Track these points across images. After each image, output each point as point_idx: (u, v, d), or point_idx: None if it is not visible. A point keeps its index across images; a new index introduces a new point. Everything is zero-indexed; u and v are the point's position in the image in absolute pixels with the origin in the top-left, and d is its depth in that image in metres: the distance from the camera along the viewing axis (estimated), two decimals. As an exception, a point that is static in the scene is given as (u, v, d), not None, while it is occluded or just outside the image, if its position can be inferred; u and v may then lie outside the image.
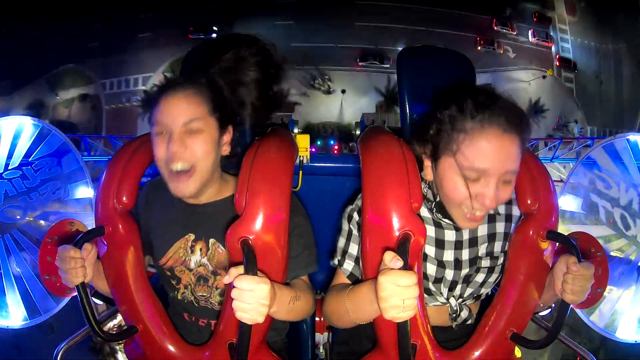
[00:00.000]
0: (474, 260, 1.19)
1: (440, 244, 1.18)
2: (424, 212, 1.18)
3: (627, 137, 1.73)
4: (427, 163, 1.12)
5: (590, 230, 1.63)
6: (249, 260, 0.97)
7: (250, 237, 1.04)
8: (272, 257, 1.08)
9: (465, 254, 1.18)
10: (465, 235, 1.19)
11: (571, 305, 1.05)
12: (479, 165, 1.00)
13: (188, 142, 1.12)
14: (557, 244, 1.15)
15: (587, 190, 1.70)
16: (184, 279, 1.26)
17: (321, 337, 1.68)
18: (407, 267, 0.93)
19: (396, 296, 0.89)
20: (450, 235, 1.18)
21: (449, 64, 1.52)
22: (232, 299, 0.95)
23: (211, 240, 1.23)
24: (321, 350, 1.68)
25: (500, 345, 1.15)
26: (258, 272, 0.98)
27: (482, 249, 1.19)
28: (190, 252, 1.24)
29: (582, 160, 1.73)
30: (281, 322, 1.27)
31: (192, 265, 1.24)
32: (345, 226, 1.21)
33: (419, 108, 1.42)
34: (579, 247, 1.03)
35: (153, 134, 1.15)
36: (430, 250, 1.18)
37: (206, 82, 1.19)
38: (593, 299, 1.34)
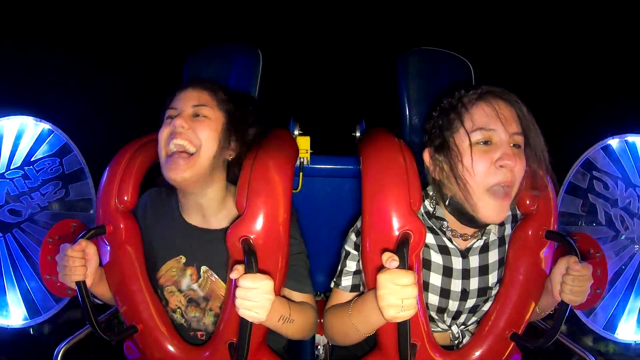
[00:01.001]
0: (483, 291, 1.17)
1: (447, 272, 1.15)
2: (429, 239, 1.16)
3: (625, 139, 1.74)
4: (433, 161, 1.12)
5: (589, 231, 1.63)
6: (250, 259, 0.98)
7: (251, 237, 1.05)
8: (273, 257, 1.09)
9: (473, 284, 1.16)
10: (474, 263, 1.16)
11: (570, 306, 1.06)
12: (485, 124, 1.04)
13: (193, 124, 1.13)
14: (557, 244, 1.15)
15: (586, 191, 1.71)
16: (172, 302, 1.23)
17: (321, 339, 1.69)
18: (406, 266, 0.93)
19: (394, 295, 0.89)
20: (457, 263, 1.15)
21: (448, 66, 1.53)
22: (235, 298, 0.95)
23: (203, 268, 1.21)
24: (321, 351, 1.68)
25: (500, 345, 1.15)
26: (259, 271, 0.98)
27: (492, 278, 1.17)
28: (181, 274, 1.22)
29: (580, 161, 1.74)
30: None
31: (184, 287, 1.22)
32: (343, 251, 1.21)
33: (418, 109, 1.43)
34: (578, 248, 1.04)
35: (163, 119, 1.17)
36: (436, 279, 1.15)
37: (222, 92, 1.23)
38: (592, 300, 1.35)
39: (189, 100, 1.16)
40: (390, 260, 0.90)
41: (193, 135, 1.12)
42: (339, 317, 1.15)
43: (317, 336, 1.67)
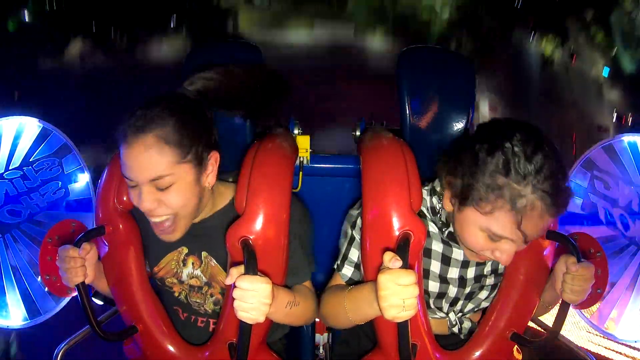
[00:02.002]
0: (478, 278, 1.18)
1: (446, 260, 1.16)
2: (432, 227, 1.16)
3: (627, 138, 1.73)
4: (448, 196, 1.05)
5: (589, 230, 1.62)
6: (250, 259, 0.98)
7: (251, 237, 1.05)
8: (273, 257, 1.09)
9: (471, 272, 1.17)
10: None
11: (571, 306, 1.06)
12: (508, 235, 0.96)
13: (161, 197, 1.02)
14: (557, 244, 1.15)
15: (586, 191, 1.70)
16: (176, 290, 1.26)
17: (321, 338, 1.68)
18: (407, 266, 0.93)
19: (396, 295, 0.89)
20: (458, 254, 1.16)
21: (450, 65, 1.52)
22: (233, 299, 0.95)
23: (203, 254, 1.21)
24: (321, 350, 1.68)
25: (501, 345, 1.15)
26: (258, 272, 0.98)
27: (487, 267, 1.18)
28: (182, 265, 1.23)
29: (581, 161, 1.73)
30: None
31: (184, 277, 1.23)
32: (348, 230, 1.20)
33: (419, 109, 1.43)
34: (578, 248, 1.04)
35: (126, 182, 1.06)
36: (435, 265, 1.16)
37: (172, 116, 1.01)
38: (593, 300, 1.34)
39: (142, 173, 1.00)
40: (394, 260, 0.90)
41: (164, 208, 1.04)
42: (333, 299, 1.16)
43: (317, 336, 1.67)
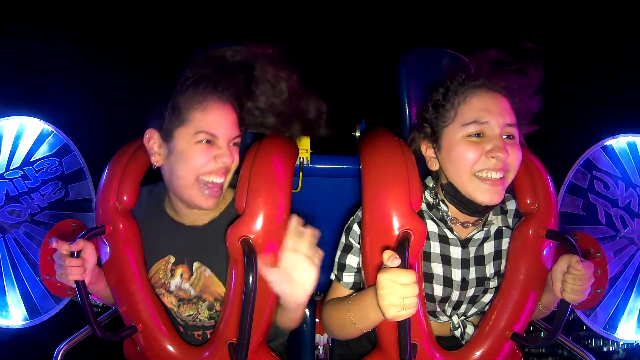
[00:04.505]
0: (481, 281, 1.18)
1: (446, 260, 1.16)
2: (431, 226, 1.17)
3: (626, 139, 1.73)
4: (430, 152, 1.16)
5: (589, 230, 1.63)
6: (250, 259, 0.98)
7: (251, 237, 1.05)
8: (273, 257, 1.09)
9: (472, 273, 1.17)
10: (472, 253, 1.18)
11: (571, 305, 1.06)
12: (478, 116, 1.06)
13: (232, 154, 1.12)
14: (557, 244, 1.15)
15: (586, 191, 1.71)
16: (165, 302, 1.23)
17: (321, 338, 1.68)
18: (406, 265, 0.93)
19: (395, 294, 0.89)
20: (456, 252, 1.16)
21: (449, 65, 1.52)
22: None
23: (195, 264, 1.19)
24: (321, 350, 1.68)
25: (501, 345, 1.15)
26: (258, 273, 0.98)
27: (489, 269, 1.18)
28: (169, 275, 1.21)
29: (581, 161, 1.74)
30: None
31: (172, 288, 1.21)
32: (342, 239, 1.21)
33: (419, 109, 1.43)
34: (578, 248, 1.04)
35: (191, 139, 1.08)
36: (437, 268, 1.16)
37: (236, 94, 1.15)
38: (593, 299, 1.35)
39: (229, 130, 1.11)
40: (392, 258, 0.90)
41: (231, 167, 1.14)
42: (337, 311, 1.15)
43: (317, 336, 1.67)
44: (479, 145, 1.06)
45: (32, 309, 1.65)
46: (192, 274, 1.20)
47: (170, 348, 1.19)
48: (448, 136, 1.10)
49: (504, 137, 1.06)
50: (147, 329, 1.18)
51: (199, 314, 1.23)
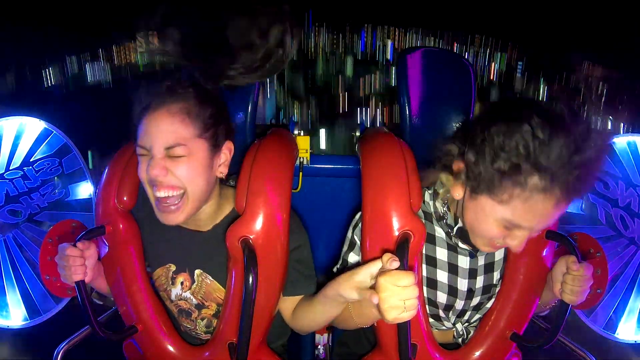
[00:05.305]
0: (487, 289, 1.16)
1: (453, 269, 1.14)
2: (439, 232, 1.13)
3: (626, 138, 1.73)
4: (459, 190, 1.00)
5: (589, 230, 1.63)
6: (250, 259, 0.98)
7: (251, 237, 1.05)
8: (273, 257, 1.09)
9: (479, 282, 1.15)
10: (481, 262, 1.15)
11: (570, 306, 1.06)
12: (524, 224, 0.92)
13: (171, 167, 1.00)
14: (557, 244, 1.15)
15: (586, 191, 1.71)
16: (167, 303, 1.23)
17: (321, 338, 1.68)
18: (406, 267, 0.93)
19: (396, 296, 0.88)
20: (464, 262, 1.13)
21: (449, 66, 1.52)
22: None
23: (197, 271, 1.18)
24: (321, 350, 1.68)
25: (500, 345, 1.15)
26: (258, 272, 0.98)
27: (496, 275, 1.16)
28: (170, 283, 1.20)
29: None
30: (281, 324, 1.27)
31: (173, 297, 1.20)
32: (349, 234, 1.19)
33: (419, 109, 1.43)
34: (578, 248, 1.04)
35: (137, 155, 1.04)
36: (442, 275, 1.14)
37: (195, 91, 1.03)
38: (592, 300, 1.34)
39: (158, 140, 0.99)
40: (391, 261, 0.89)
41: (174, 179, 1.01)
42: None
43: (317, 336, 1.67)
44: (505, 231, 0.96)
45: (32, 309, 1.65)
46: (193, 282, 1.18)
47: (171, 348, 1.19)
48: (484, 204, 0.94)
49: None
50: (147, 329, 1.19)
51: (197, 328, 1.23)
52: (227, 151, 1.10)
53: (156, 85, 1.03)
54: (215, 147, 1.06)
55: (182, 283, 1.18)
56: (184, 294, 1.19)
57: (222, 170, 1.10)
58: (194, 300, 1.19)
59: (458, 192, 1.00)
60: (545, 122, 0.85)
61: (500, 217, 0.93)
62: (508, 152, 0.86)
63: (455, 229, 1.09)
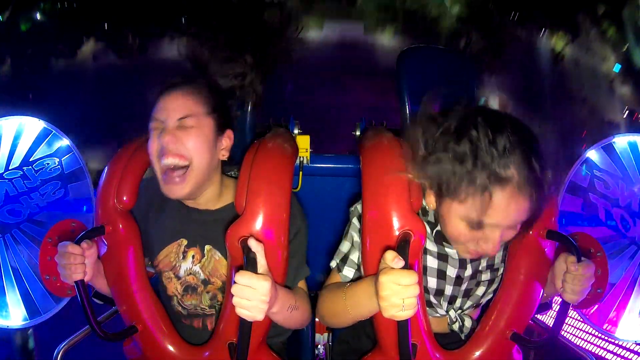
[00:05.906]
0: (474, 275, 1.18)
1: (443, 257, 1.16)
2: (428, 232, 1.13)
3: (627, 138, 1.73)
4: (431, 194, 1.05)
5: (589, 230, 1.62)
6: (249, 259, 0.98)
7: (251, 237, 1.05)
8: (273, 257, 1.08)
9: (468, 270, 1.17)
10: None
11: (571, 306, 1.06)
12: (487, 220, 0.95)
13: (181, 136, 1.12)
14: (557, 243, 1.15)
15: (587, 191, 1.70)
16: (170, 289, 1.25)
17: (321, 338, 1.69)
18: (407, 266, 0.93)
19: (397, 295, 0.89)
20: (452, 255, 1.15)
21: (451, 64, 1.52)
22: (232, 295, 0.95)
23: (207, 247, 1.22)
24: (321, 350, 1.68)
25: (500, 345, 1.15)
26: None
27: (483, 262, 1.18)
28: (181, 257, 1.23)
29: (581, 160, 1.73)
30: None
31: (182, 272, 1.23)
32: (350, 229, 1.19)
33: (419, 108, 1.43)
34: (578, 248, 1.04)
35: (150, 130, 1.16)
36: (432, 262, 1.16)
37: (206, 82, 1.22)
38: (593, 299, 1.34)
39: (172, 111, 1.13)
40: (396, 260, 0.90)
41: (183, 148, 1.12)
42: (332, 297, 1.16)
43: (317, 335, 1.67)
44: (474, 232, 0.99)
45: (31, 309, 1.65)
46: (203, 256, 1.22)
47: (171, 348, 1.19)
48: (448, 207, 1.00)
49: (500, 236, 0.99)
50: (147, 329, 1.19)
51: (201, 303, 1.25)
52: (228, 138, 1.22)
53: (173, 76, 1.21)
54: (219, 130, 1.19)
55: (193, 256, 1.22)
56: (194, 268, 1.22)
57: (224, 154, 1.21)
58: (201, 275, 1.22)
59: (431, 202, 1.06)
60: (486, 124, 0.94)
61: (464, 216, 0.98)
62: (458, 155, 0.94)
63: (434, 232, 1.13)
